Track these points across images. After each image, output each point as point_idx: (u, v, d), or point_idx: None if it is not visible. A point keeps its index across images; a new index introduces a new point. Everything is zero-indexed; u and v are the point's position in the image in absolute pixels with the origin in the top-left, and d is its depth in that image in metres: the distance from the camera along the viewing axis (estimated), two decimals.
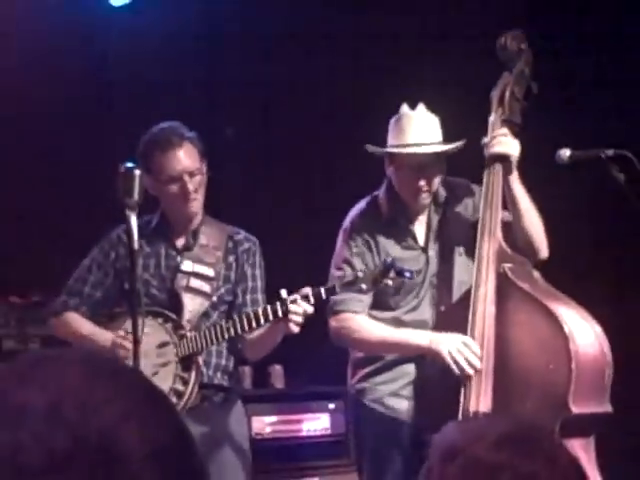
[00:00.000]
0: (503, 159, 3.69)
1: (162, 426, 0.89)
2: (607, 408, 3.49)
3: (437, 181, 3.83)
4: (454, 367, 3.56)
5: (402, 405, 3.81)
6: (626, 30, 5.30)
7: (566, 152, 3.66)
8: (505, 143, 3.69)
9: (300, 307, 3.52)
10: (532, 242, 3.75)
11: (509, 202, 3.73)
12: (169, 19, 5.45)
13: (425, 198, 3.83)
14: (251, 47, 5.53)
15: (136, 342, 3.26)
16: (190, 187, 3.79)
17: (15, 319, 4.81)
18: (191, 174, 3.79)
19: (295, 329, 3.55)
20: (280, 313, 3.59)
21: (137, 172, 3.34)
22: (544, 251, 3.79)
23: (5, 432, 0.83)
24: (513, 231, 3.75)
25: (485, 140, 3.74)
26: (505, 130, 3.71)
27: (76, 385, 0.86)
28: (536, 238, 3.76)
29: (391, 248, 3.85)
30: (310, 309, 3.54)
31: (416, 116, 3.83)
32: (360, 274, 3.59)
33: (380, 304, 3.84)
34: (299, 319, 3.53)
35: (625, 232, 4.64)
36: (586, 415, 3.43)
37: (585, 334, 3.50)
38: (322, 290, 3.56)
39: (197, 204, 3.86)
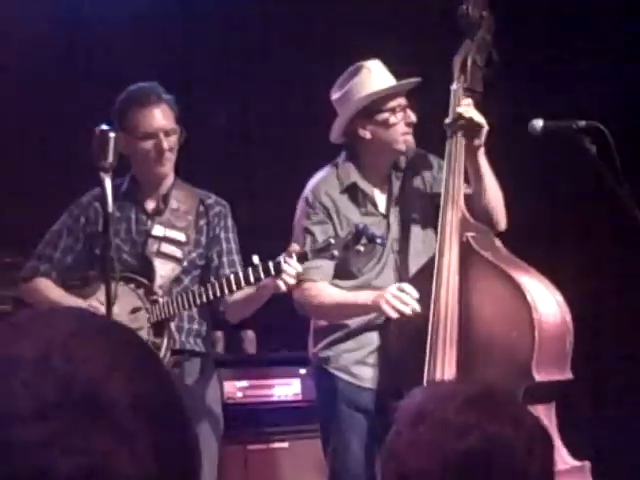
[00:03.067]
0: (470, 130, 3.69)
1: (148, 378, 0.93)
2: (568, 375, 3.54)
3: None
4: (390, 312, 3.58)
5: (367, 373, 3.83)
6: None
7: (539, 122, 3.67)
8: (478, 114, 3.69)
9: (292, 267, 3.53)
10: (492, 215, 3.78)
11: (472, 174, 3.75)
12: None
13: (410, 140, 3.84)
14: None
15: (109, 307, 3.28)
16: (165, 145, 3.77)
17: None
18: (166, 133, 3.78)
19: (283, 288, 3.55)
20: (252, 279, 3.61)
21: (112, 134, 3.35)
22: (503, 223, 3.83)
23: None
24: (473, 202, 3.76)
25: (447, 120, 3.73)
26: (469, 101, 3.71)
27: (65, 338, 0.90)
28: (497, 211, 3.79)
29: (352, 214, 3.87)
30: (300, 268, 3.54)
31: (376, 64, 3.87)
32: (332, 240, 3.60)
33: (344, 273, 3.85)
34: (291, 280, 3.54)
35: (592, 207, 4.70)
36: (548, 382, 3.47)
37: (547, 302, 3.53)
38: (294, 256, 3.57)
39: (170, 165, 3.85)
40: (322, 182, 3.90)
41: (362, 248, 3.58)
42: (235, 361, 5.03)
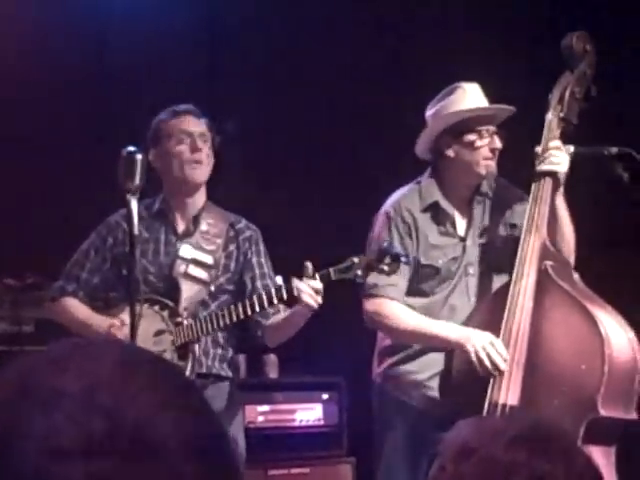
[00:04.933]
0: (552, 174, 3.71)
1: (197, 417, 0.89)
2: (633, 415, 3.51)
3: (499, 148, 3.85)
4: (478, 366, 3.57)
5: (427, 396, 3.80)
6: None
7: (570, 148, 3.68)
8: (556, 161, 3.69)
9: (307, 286, 3.50)
10: (563, 252, 3.78)
11: (550, 214, 3.74)
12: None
13: (492, 166, 3.83)
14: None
15: (133, 329, 3.24)
16: (199, 143, 3.79)
17: (9, 301, 4.77)
18: (201, 135, 3.81)
19: (311, 306, 3.52)
20: (275, 300, 3.58)
21: (139, 156, 3.32)
22: (572, 260, 3.81)
23: (39, 415, 0.83)
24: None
25: (538, 149, 3.73)
26: (558, 143, 3.71)
27: (111, 373, 0.86)
28: (568, 249, 3.79)
29: (430, 233, 3.86)
30: (317, 285, 3.51)
31: (473, 87, 3.87)
32: (356, 260, 3.56)
33: (415, 290, 3.83)
34: (309, 300, 3.50)
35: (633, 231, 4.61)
36: (612, 419, 3.45)
37: (620, 339, 3.52)
38: (316, 275, 3.52)
39: (203, 171, 3.83)
40: (404, 198, 3.90)
41: (386, 267, 3.54)
42: (257, 385, 5.00)
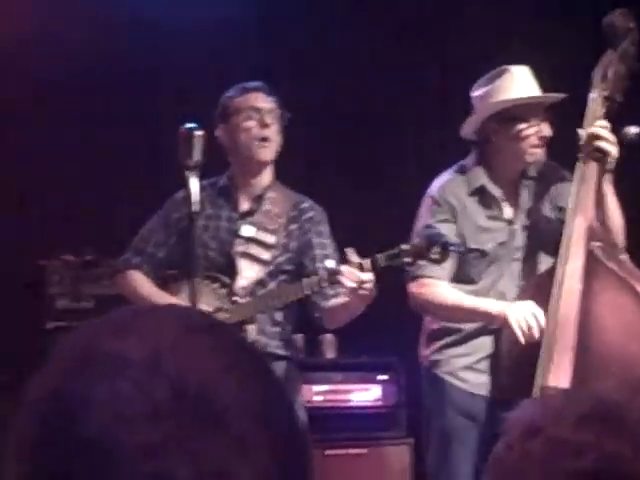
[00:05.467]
0: (600, 154, 3.61)
1: (261, 383, 0.88)
2: None
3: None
4: (519, 332, 3.52)
5: (477, 379, 3.78)
6: None
7: (634, 129, 3.60)
8: (604, 143, 3.60)
9: (350, 274, 3.47)
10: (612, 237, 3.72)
11: (597, 198, 3.67)
12: None
13: (539, 153, 3.78)
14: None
15: (192, 304, 3.25)
16: (267, 120, 3.76)
17: (69, 277, 4.81)
18: (270, 112, 3.79)
19: (357, 294, 3.48)
20: (325, 283, 3.58)
21: (198, 133, 3.33)
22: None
23: (104, 381, 0.82)
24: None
25: (581, 131, 3.65)
26: (605, 123, 3.63)
27: (174, 338, 0.85)
28: (617, 236, 3.72)
29: (477, 217, 3.81)
30: (364, 276, 3.47)
31: (523, 71, 3.80)
32: (404, 247, 3.54)
33: (462, 277, 3.80)
34: (352, 288, 3.48)
35: None
36: None
37: None
38: (366, 261, 3.49)
39: (271, 149, 3.80)
40: (450, 182, 3.85)
41: (436, 256, 3.52)
42: (314, 365, 4.99)
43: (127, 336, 0.85)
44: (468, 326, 3.80)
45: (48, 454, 0.82)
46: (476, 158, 3.86)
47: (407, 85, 5.40)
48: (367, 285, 3.48)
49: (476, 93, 3.83)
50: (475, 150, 3.87)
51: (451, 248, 3.52)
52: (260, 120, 3.77)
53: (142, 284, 3.85)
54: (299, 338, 5.00)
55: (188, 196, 3.31)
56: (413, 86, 5.40)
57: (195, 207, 3.30)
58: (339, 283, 3.53)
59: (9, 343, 4.69)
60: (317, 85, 5.38)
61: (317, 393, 4.85)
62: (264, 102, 3.82)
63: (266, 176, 3.88)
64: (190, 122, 3.38)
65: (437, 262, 3.57)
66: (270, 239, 3.83)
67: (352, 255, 3.52)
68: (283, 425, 0.88)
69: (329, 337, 5.08)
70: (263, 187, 3.87)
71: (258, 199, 3.87)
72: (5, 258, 4.94)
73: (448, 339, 3.83)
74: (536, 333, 3.52)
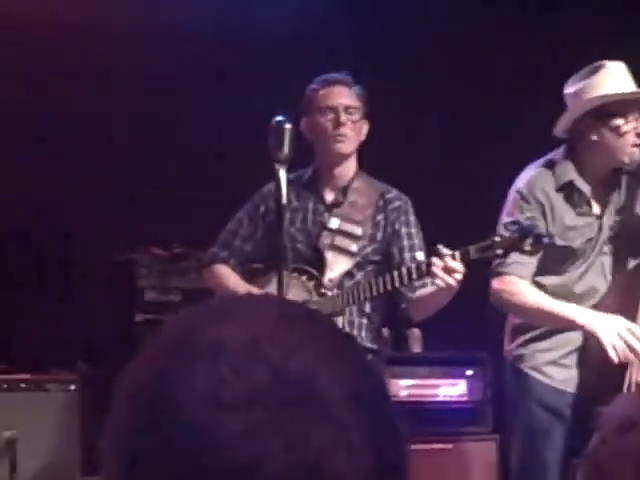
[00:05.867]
0: None
1: (358, 371, 0.87)
2: None
3: None
4: (612, 353, 3.47)
5: (562, 374, 3.73)
6: None
7: None
8: None
9: (437, 267, 3.45)
10: None
11: None
12: None
13: (636, 153, 3.70)
14: None
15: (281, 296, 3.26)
16: (343, 118, 3.76)
17: (157, 270, 4.87)
18: (346, 109, 3.78)
19: (453, 284, 3.46)
20: (415, 276, 3.55)
21: (287, 126, 3.35)
22: None
23: (204, 365, 0.82)
24: None
25: None
26: None
27: (273, 325, 0.85)
28: None
29: (565, 213, 3.76)
30: (452, 264, 3.44)
31: (619, 66, 3.73)
32: (497, 239, 3.51)
33: (546, 268, 3.74)
34: (443, 279, 3.45)
35: None
36: None
37: None
38: (457, 253, 3.47)
39: (348, 144, 3.81)
40: (538, 177, 3.79)
41: (529, 248, 3.48)
42: (401, 359, 4.97)
43: (225, 322, 0.85)
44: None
45: (146, 441, 0.82)
46: (565, 153, 3.80)
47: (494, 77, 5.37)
48: (457, 275, 3.45)
49: (570, 89, 3.75)
50: (566, 146, 3.81)
51: (544, 240, 3.49)
52: (335, 119, 3.77)
53: (229, 277, 3.87)
54: (385, 332, 5.00)
55: (278, 189, 3.33)
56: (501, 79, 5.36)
57: (284, 199, 3.32)
58: (430, 274, 3.51)
59: (100, 335, 4.77)
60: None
61: (403, 387, 4.83)
62: (342, 97, 3.80)
63: (350, 167, 3.87)
64: (280, 115, 3.40)
65: (530, 254, 3.53)
66: (357, 230, 3.82)
67: (443, 248, 3.50)
68: (382, 416, 0.87)
69: (416, 331, 5.07)
70: (348, 178, 3.87)
71: (344, 190, 3.87)
72: (96, 250, 5.02)
73: (532, 333, 3.79)
74: (636, 348, 3.46)
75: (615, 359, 3.47)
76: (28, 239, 5.09)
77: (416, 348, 5.12)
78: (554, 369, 3.75)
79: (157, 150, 5.19)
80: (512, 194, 3.81)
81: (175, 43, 5.20)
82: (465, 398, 4.88)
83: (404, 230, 3.84)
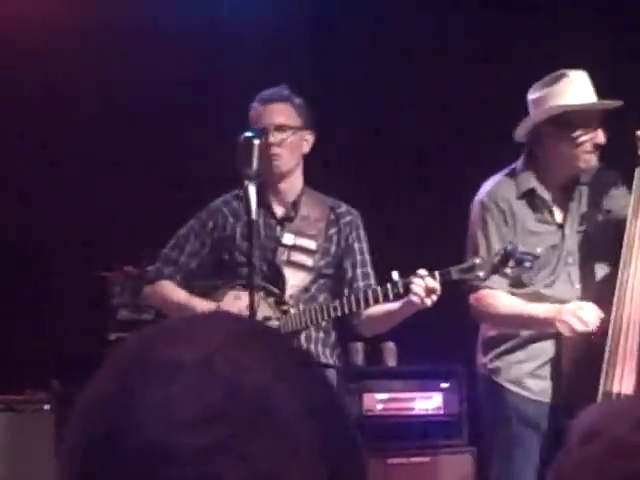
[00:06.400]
0: None
1: (314, 387, 0.88)
2: None
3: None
4: (564, 330, 3.54)
5: (539, 386, 3.73)
6: None
7: None
8: None
9: (421, 286, 3.45)
10: None
11: None
12: None
13: (593, 160, 3.73)
14: None
15: (252, 316, 3.24)
16: (271, 139, 3.68)
17: (130, 289, 4.84)
18: (278, 128, 3.71)
19: (428, 304, 3.47)
20: (391, 296, 3.54)
21: (256, 142, 3.33)
22: None
23: (158, 386, 0.83)
24: None
25: (639, 133, 3.65)
26: None
27: (226, 343, 0.86)
28: None
29: (528, 220, 3.78)
30: (432, 284, 3.46)
31: (580, 76, 3.75)
32: (478, 261, 3.54)
33: (516, 281, 3.75)
34: (422, 299, 3.46)
35: None
36: None
37: None
38: (436, 273, 3.48)
39: (281, 162, 3.74)
40: (499, 186, 3.82)
41: (509, 270, 3.52)
42: (375, 373, 4.98)
43: (179, 341, 0.86)
44: (526, 332, 3.76)
45: (99, 460, 0.83)
46: (526, 161, 3.82)
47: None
48: (434, 296, 3.47)
49: (533, 96, 3.78)
50: (526, 153, 3.83)
51: (526, 264, 3.50)
52: (266, 139, 3.66)
53: (177, 293, 3.80)
54: (359, 346, 4.99)
55: (248, 204, 3.32)
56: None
57: (254, 215, 3.31)
58: (407, 293, 3.50)
59: (73, 354, 4.75)
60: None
61: (379, 401, 4.83)
62: (274, 116, 3.72)
63: (295, 182, 3.82)
64: (248, 131, 3.39)
65: (512, 279, 3.57)
66: (311, 244, 3.78)
67: (421, 270, 3.50)
68: (337, 430, 0.87)
69: (390, 345, 5.07)
70: (295, 193, 3.82)
71: (294, 205, 3.82)
72: (68, 270, 5.00)
73: (506, 345, 3.79)
74: (587, 323, 3.52)
75: (566, 334, 3.54)
76: (2, 256, 5.06)
77: (391, 361, 5.11)
78: (531, 381, 3.75)
79: (130, 173, 5.17)
80: (474, 205, 3.83)
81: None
82: (441, 411, 4.88)
83: (357, 245, 3.83)
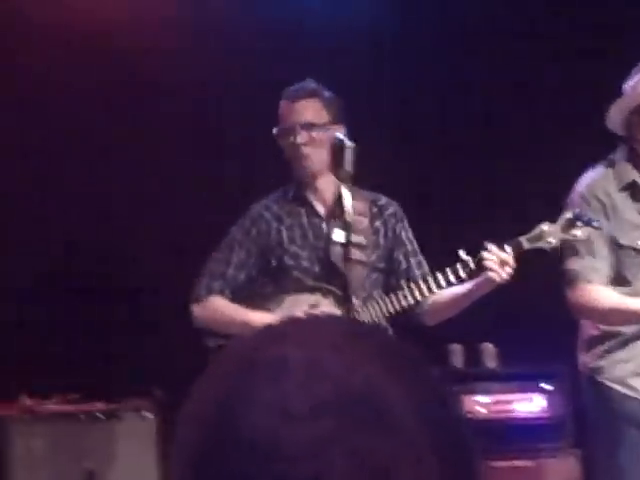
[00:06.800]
0: None
1: (425, 385, 0.89)
2: None
3: None
4: None
5: None
6: None
7: None
8: None
9: (494, 256, 3.41)
10: None
11: None
12: None
13: None
14: None
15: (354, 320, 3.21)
16: (297, 139, 3.58)
17: None
18: (305, 126, 3.60)
19: (498, 279, 3.42)
20: (463, 274, 3.49)
21: (349, 144, 3.32)
22: None
23: (268, 381, 0.85)
24: None
25: None
26: None
27: (336, 342, 0.88)
28: None
29: (629, 214, 3.68)
30: (504, 255, 3.41)
31: None
32: (545, 227, 3.49)
33: (617, 278, 3.66)
34: (498, 272, 3.41)
35: None
36: None
37: None
38: (506, 246, 3.44)
39: (311, 162, 3.63)
40: (599, 179, 3.73)
41: (579, 233, 3.48)
42: (475, 375, 4.93)
43: (287, 341, 0.88)
44: (629, 330, 3.66)
45: (213, 459, 0.84)
46: (625, 152, 3.73)
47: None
48: (508, 269, 3.42)
49: (629, 82, 3.69)
50: (624, 144, 3.73)
51: (594, 223, 3.46)
52: (292, 140, 3.59)
53: (233, 309, 3.65)
54: (458, 348, 4.95)
55: (341, 206, 3.33)
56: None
57: (349, 218, 3.29)
58: (481, 270, 3.45)
59: (173, 362, 4.79)
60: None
61: (479, 404, 4.78)
62: (301, 114, 3.61)
63: (330, 179, 3.68)
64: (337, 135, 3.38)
65: (581, 240, 3.50)
66: (361, 240, 3.67)
67: (489, 243, 3.46)
68: (449, 429, 0.88)
69: (490, 347, 5.01)
70: (334, 189, 3.69)
71: (336, 201, 3.68)
72: (166, 278, 5.04)
73: (609, 343, 3.70)
74: None
75: None
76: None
77: (491, 364, 5.05)
78: (635, 380, 3.68)
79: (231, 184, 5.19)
80: (573, 197, 3.75)
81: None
82: (544, 413, 4.82)
83: (405, 235, 3.76)
